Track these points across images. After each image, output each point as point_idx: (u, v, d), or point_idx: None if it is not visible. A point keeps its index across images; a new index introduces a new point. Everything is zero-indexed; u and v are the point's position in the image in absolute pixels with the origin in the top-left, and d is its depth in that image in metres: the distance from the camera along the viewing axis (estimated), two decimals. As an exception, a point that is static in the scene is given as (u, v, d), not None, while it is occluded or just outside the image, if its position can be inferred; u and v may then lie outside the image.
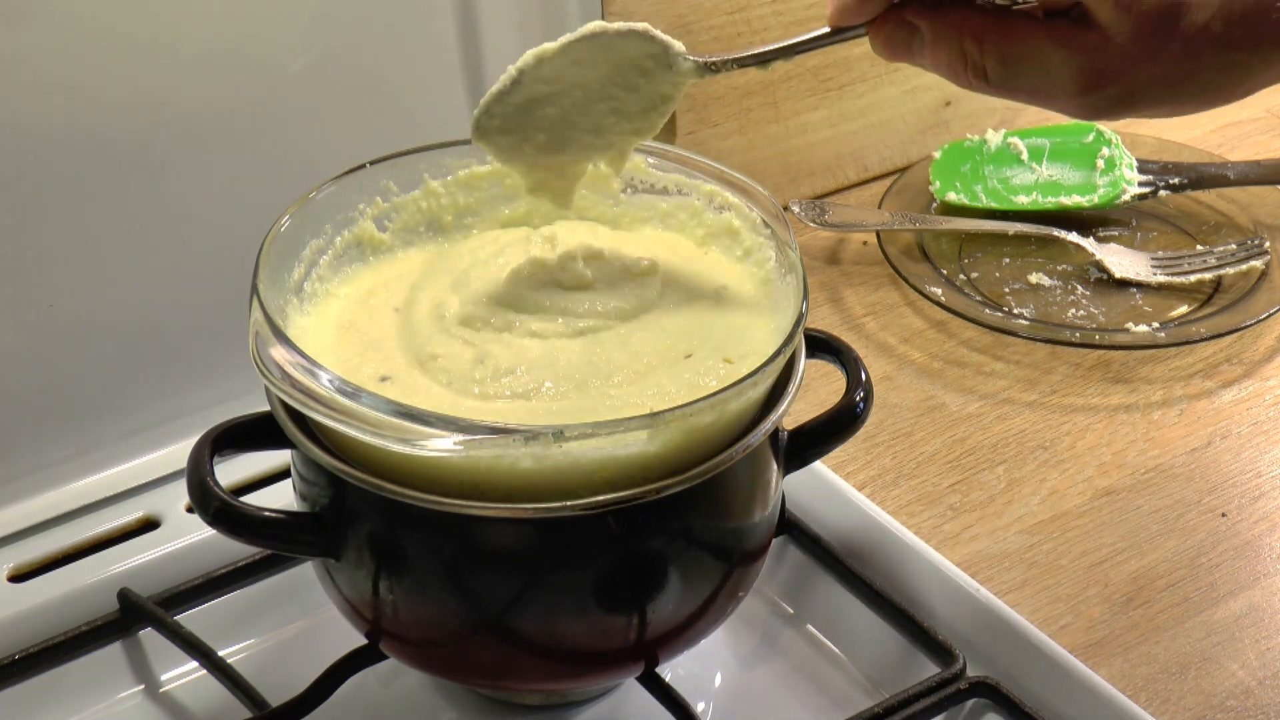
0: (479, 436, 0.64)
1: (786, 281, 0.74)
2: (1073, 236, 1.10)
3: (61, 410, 0.87)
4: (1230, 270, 1.07)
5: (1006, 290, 1.07)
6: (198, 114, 0.85)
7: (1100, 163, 1.15)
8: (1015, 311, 1.04)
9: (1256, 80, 0.66)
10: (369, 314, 0.75)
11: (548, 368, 0.70)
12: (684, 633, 0.73)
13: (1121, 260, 1.08)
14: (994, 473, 0.93)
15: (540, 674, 0.73)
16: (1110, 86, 0.66)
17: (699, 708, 0.77)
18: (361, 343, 0.73)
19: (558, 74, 0.72)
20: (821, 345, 0.78)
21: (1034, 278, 1.08)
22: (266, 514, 0.69)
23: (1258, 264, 1.07)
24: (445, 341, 0.72)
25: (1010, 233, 1.11)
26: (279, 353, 0.67)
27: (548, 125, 0.73)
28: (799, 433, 0.76)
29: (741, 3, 1.08)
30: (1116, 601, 0.84)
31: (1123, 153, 1.15)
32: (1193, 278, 1.07)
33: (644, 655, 0.73)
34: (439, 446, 0.64)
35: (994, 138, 1.16)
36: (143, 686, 0.81)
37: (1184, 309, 1.05)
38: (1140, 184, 1.13)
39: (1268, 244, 1.09)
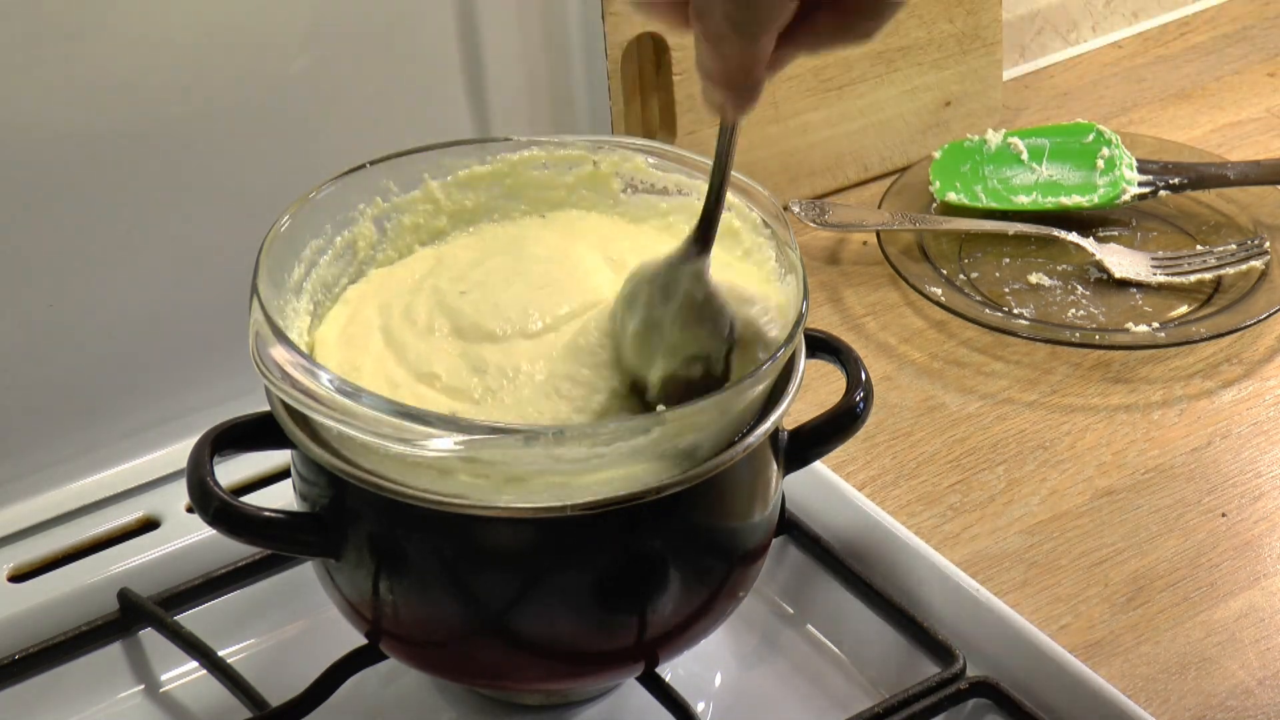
0: (479, 436, 0.64)
1: (786, 281, 0.74)
2: (1073, 236, 1.10)
3: (61, 410, 0.87)
4: (1230, 270, 1.07)
5: (1006, 290, 1.07)
6: (198, 114, 0.85)
7: (1100, 163, 1.14)
8: (1015, 311, 1.04)
9: None
10: (368, 313, 0.75)
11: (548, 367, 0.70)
12: (684, 633, 0.73)
13: (1121, 260, 1.08)
14: (994, 473, 0.93)
15: (540, 674, 0.73)
16: None
17: (699, 708, 0.77)
18: (361, 343, 0.73)
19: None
20: (821, 345, 0.78)
21: (1034, 278, 1.08)
22: (266, 514, 0.69)
23: (1258, 264, 1.07)
24: (441, 348, 0.72)
25: (1010, 233, 1.11)
26: (279, 353, 0.67)
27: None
28: (799, 433, 0.76)
29: (741, 3, 1.08)
30: (1116, 601, 0.84)
31: (1123, 153, 1.15)
32: (1193, 278, 1.07)
33: (644, 655, 0.73)
34: (439, 446, 0.64)
35: (994, 138, 1.16)
36: (143, 686, 0.81)
37: (1184, 309, 1.05)
38: (1140, 184, 1.13)
39: (1268, 244, 1.09)
